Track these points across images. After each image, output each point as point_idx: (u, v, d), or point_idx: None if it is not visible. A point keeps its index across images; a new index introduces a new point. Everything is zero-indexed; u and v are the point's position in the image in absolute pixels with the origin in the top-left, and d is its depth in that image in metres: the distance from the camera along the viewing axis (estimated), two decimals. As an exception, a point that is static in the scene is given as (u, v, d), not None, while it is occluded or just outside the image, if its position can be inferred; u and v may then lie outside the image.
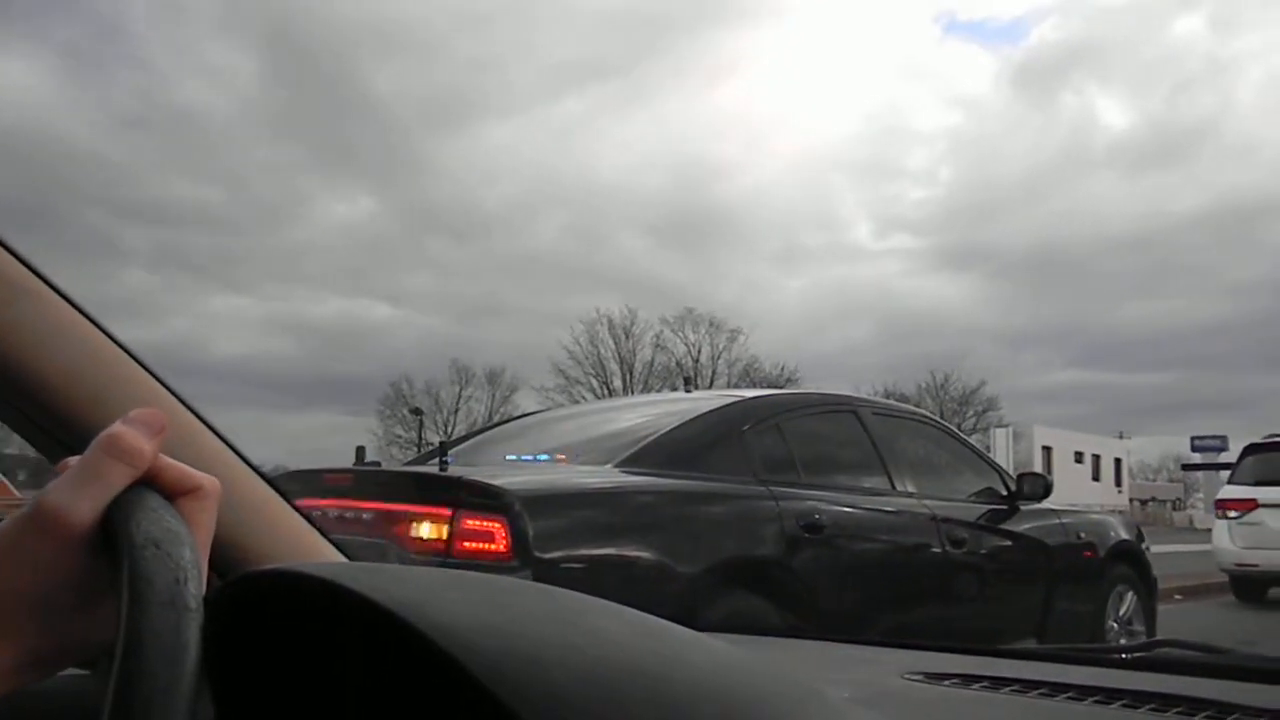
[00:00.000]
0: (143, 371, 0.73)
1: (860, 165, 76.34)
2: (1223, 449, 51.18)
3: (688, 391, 5.97)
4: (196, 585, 0.48)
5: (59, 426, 0.69)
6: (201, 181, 61.61)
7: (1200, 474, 52.83)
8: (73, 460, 0.53)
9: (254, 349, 60.06)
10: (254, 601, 0.57)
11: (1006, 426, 41.47)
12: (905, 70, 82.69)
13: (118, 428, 0.52)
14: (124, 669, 0.43)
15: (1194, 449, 52.50)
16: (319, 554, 0.82)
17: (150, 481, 0.53)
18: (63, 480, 0.51)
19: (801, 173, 74.73)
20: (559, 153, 69.05)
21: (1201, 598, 11.39)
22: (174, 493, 0.54)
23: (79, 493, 0.50)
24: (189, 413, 0.75)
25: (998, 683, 1.04)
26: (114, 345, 0.72)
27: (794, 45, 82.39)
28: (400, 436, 47.80)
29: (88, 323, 0.71)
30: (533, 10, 75.76)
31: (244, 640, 0.57)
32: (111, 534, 0.50)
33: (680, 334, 49.87)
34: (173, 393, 0.74)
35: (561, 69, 72.41)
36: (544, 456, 4.00)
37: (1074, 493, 26.86)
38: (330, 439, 52.77)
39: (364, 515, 3.35)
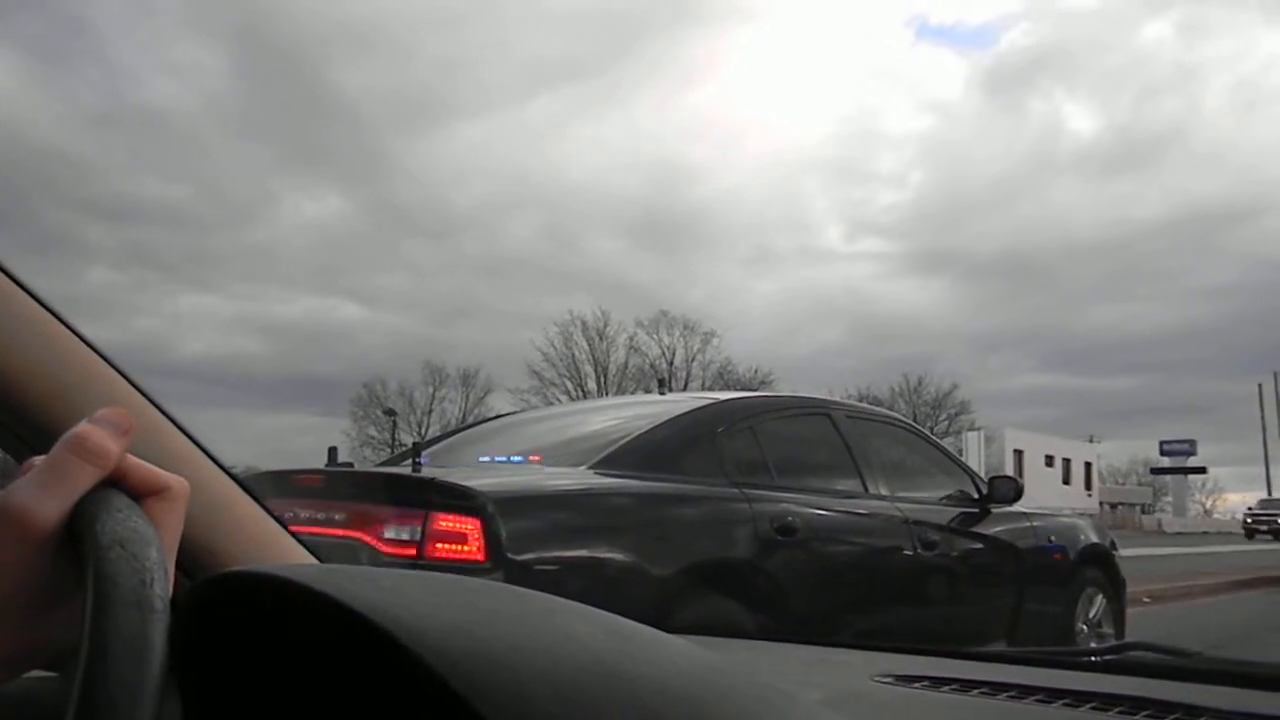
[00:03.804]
0: (110, 370, 0.72)
1: (831, 168, 77.11)
2: (1191, 453, 51.91)
3: (662, 394, 5.98)
4: (162, 587, 0.47)
5: (23, 425, 0.68)
6: (169, 179, 61.10)
7: (1169, 478, 53.54)
8: (38, 460, 0.52)
9: (223, 349, 59.57)
10: (223, 603, 0.56)
11: (979, 430, 41.78)
12: (877, 74, 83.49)
13: (84, 427, 0.52)
14: (88, 671, 0.43)
15: (1163, 453, 53.21)
16: (289, 556, 0.81)
17: (117, 482, 0.52)
18: (27, 480, 0.51)
19: (773, 175, 75.34)
20: (532, 153, 69.21)
21: (1170, 601, 11.52)
22: (141, 493, 0.53)
23: (44, 493, 0.50)
24: (157, 412, 0.74)
25: (967, 685, 1.05)
26: (81, 343, 0.71)
27: (767, 48, 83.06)
28: (374, 437, 47.64)
29: (54, 319, 0.70)
30: (504, 10, 75.66)
31: (213, 642, 0.57)
32: (77, 535, 0.49)
33: (654, 336, 50.03)
34: (141, 391, 0.73)
35: (534, 69, 72.64)
36: (517, 458, 3.99)
37: (1044, 496, 27.09)
38: (302, 440, 52.49)
39: (336, 516, 3.33)
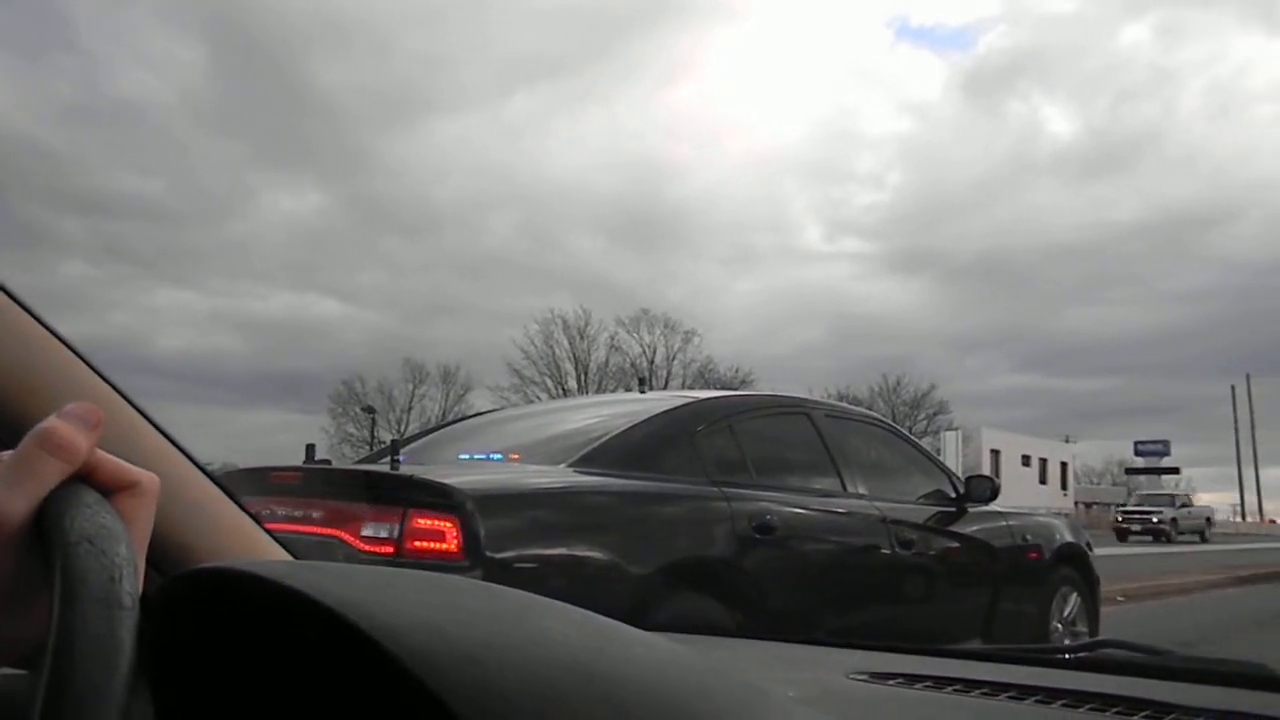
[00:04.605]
0: (80, 364, 0.71)
1: (810, 169, 77.42)
2: (1165, 453, 52.38)
3: (642, 392, 5.99)
4: (131, 583, 0.47)
5: (-8, 420, 0.67)
6: (145, 173, 60.49)
7: (1143, 478, 54.01)
8: (5, 455, 0.52)
9: (199, 344, 59.11)
10: (195, 600, 0.56)
11: (956, 430, 41.96)
12: (856, 75, 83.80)
13: (52, 422, 0.51)
14: (55, 668, 0.42)
15: (1137, 453, 53.69)
16: (264, 552, 0.81)
17: (86, 477, 0.51)
18: None
19: (753, 175, 75.50)
20: (511, 151, 69.11)
21: (1143, 600, 11.63)
22: (111, 489, 0.52)
23: (11, 488, 0.49)
24: (128, 407, 0.74)
25: (941, 682, 1.05)
26: (50, 337, 0.70)
27: (747, 48, 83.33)
28: (352, 434, 47.48)
29: (23, 313, 0.69)
30: (485, 6, 75.32)
31: (185, 639, 0.56)
32: (45, 530, 0.48)
33: (635, 335, 50.02)
34: (112, 386, 0.73)
35: (513, 66, 72.47)
36: (497, 456, 3.98)
37: (1021, 495, 27.26)
38: (280, 437, 52.20)
39: (314, 514, 3.31)
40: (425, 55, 69.43)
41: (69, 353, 0.71)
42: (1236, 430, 61.96)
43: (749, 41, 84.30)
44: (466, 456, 4.06)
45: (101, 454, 0.52)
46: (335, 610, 0.48)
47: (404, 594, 0.53)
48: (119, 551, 0.47)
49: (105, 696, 0.42)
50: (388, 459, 3.64)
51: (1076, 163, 78.80)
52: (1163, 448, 52.56)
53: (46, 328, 0.70)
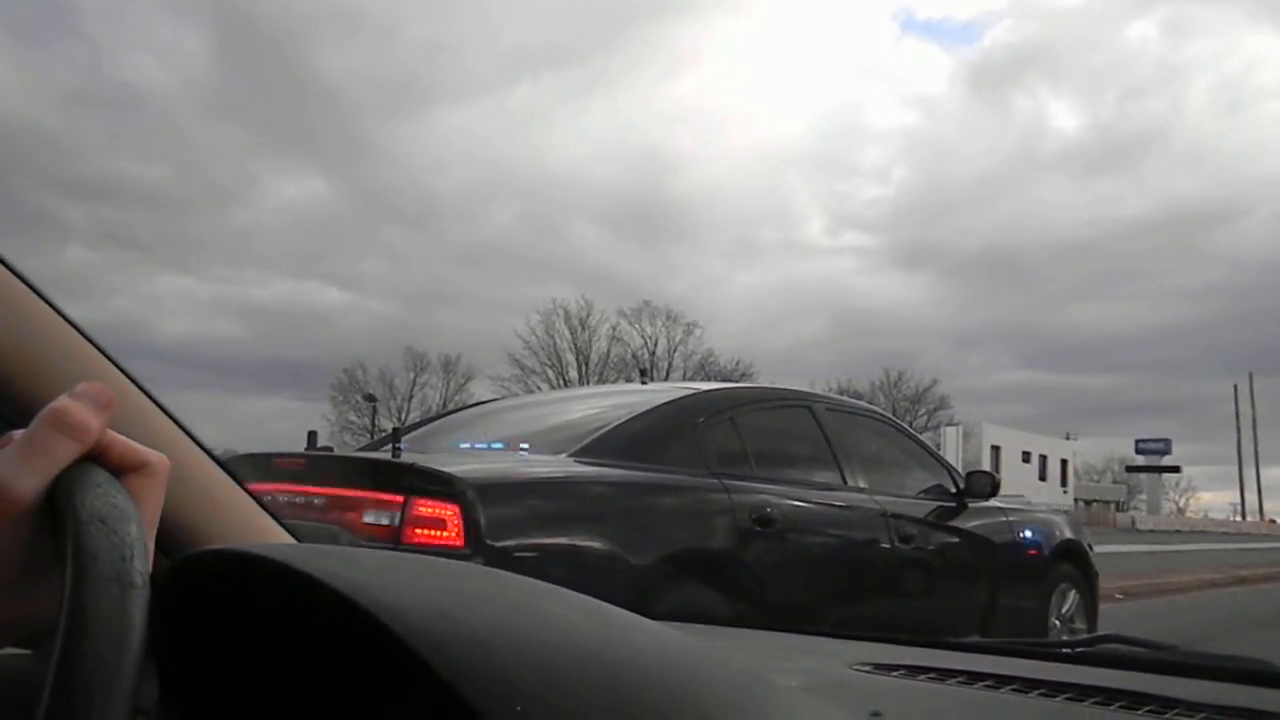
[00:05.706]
0: (91, 347, 0.71)
1: (814, 162, 77.13)
2: (1166, 452, 52.36)
3: (643, 384, 5.99)
4: (142, 562, 0.47)
5: (2, 400, 0.67)
6: (147, 160, 60.23)
7: (1144, 476, 54.04)
8: (17, 434, 0.52)
9: (202, 331, 59.04)
10: (201, 581, 0.56)
11: (957, 425, 41.95)
12: (862, 68, 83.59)
13: (64, 401, 0.51)
14: (67, 645, 0.42)
15: (1138, 451, 53.69)
16: (269, 536, 0.81)
17: (97, 457, 0.52)
18: (6, 454, 0.50)
19: (756, 168, 75.22)
20: (514, 140, 68.89)
21: (1143, 598, 11.64)
22: (121, 469, 0.52)
23: (23, 467, 0.49)
24: (138, 390, 0.74)
25: (944, 674, 1.05)
26: (62, 319, 0.70)
27: (752, 40, 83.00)
28: (354, 423, 47.48)
29: (34, 295, 0.69)
30: (488, -6, 75.06)
31: (190, 620, 0.56)
32: (56, 510, 0.48)
33: (637, 326, 49.99)
34: (122, 369, 0.73)
35: (517, 55, 72.19)
36: (499, 445, 3.99)
37: (1021, 491, 27.23)
38: (281, 424, 52.22)
39: (315, 500, 3.32)
40: (429, 44, 69.32)
41: (79, 335, 0.71)
42: (1238, 429, 61.96)
43: (754, 34, 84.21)
44: (467, 445, 4.07)
45: (113, 434, 0.53)
46: (342, 592, 0.48)
47: (409, 577, 0.53)
48: (130, 531, 0.47)
49: (117, 675, 0.42)
50: (389, 447, 3.64)
51: (1082, 158, 78.65)
52: (1164, 446, 52.57)
53: (57, 310, 0.70)
